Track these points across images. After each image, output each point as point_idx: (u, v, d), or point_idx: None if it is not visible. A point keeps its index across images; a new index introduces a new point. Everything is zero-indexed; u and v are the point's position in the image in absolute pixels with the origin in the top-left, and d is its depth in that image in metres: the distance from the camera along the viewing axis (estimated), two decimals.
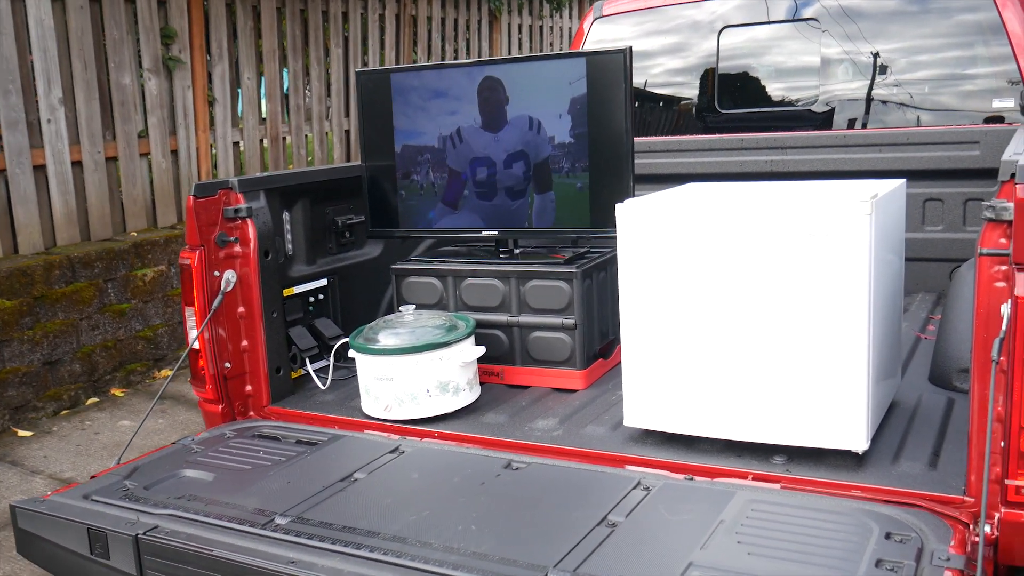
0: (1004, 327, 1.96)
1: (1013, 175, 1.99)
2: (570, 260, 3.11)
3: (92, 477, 2.62)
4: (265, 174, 3.26)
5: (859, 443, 2.32)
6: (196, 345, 3.01)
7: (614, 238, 3.10)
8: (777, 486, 2.27)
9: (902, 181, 2.68)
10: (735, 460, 2.42)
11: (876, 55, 4.16)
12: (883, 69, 4.15)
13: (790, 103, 4.35)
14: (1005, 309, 1.98)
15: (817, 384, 2.33)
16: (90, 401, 5.53)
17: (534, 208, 3.17)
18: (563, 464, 2.46)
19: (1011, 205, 1.98)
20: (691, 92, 4.61)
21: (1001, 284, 2.02)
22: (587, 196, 3.07)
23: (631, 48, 2.97)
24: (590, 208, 3.07)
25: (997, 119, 3.93)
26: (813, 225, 2.28)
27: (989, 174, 3.92)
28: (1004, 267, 2.02)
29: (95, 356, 5.59)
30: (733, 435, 2.46)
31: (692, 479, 2.32)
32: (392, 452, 2.61)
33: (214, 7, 6.88)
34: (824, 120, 4.26)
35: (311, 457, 2.62)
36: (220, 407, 3.05)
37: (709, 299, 2.43)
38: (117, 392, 5.68)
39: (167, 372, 6.23)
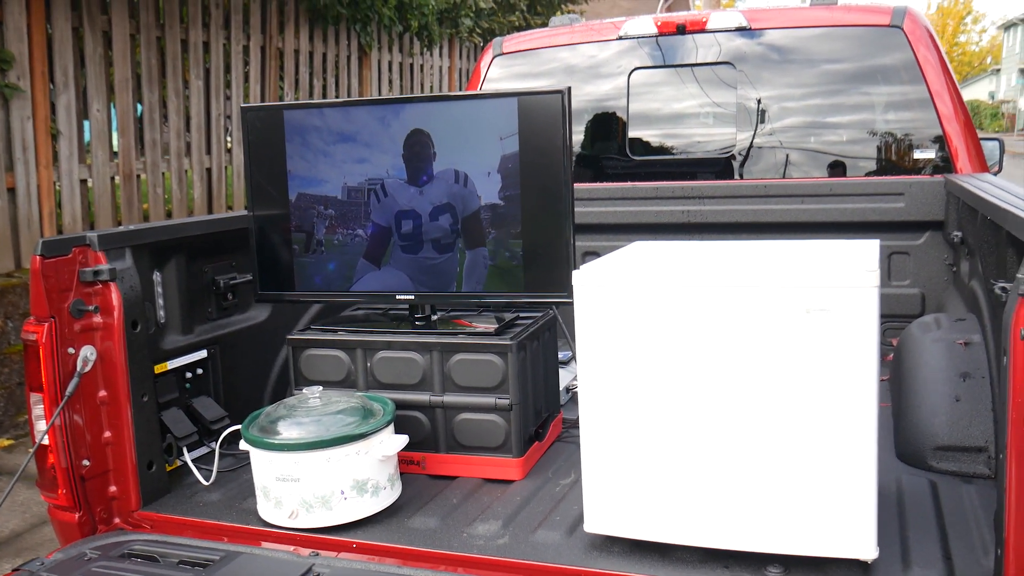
0: None
1: None
2: (501, 329, 2.70)
3: None
4: (131, 227, 2.71)
5: (868, 551, 1.99)
6: (46, 440, 2.42)
7: (551, 304, 2.73)
8: None
9: (876, 242, 2.41)
10: (722, 573, 2.05)
11: (792, 101, 3.97)
12: (800, 115, 3.97)
13: (705, 150, 4.10)
14: None
15: (818, 482, 2.00)
16: None
17: (462, 271, 2.75)
18: None
19: None
20: (599, 136, 4.31)
21: None
22: (521, 258, 2.67)
23: (569, 89, 2.61)
24: (524, 271, 2.67)
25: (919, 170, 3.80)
26: (812, 299, 1.95)
27: (914, 227, 3.78)
28: None
29: None
30: (716, 543, 2.10)
31: None
32: (305, 575, 2.12)
33: (58, 31, 6.17)
34: (742, 167, 4.04)
35: None
36: (77, 516, 2.46)
37: (685, 382, 2.07)
38: None
39: (3, 442, 5.44)
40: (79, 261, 2.48)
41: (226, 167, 8.06)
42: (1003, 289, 2.02)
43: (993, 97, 51.84)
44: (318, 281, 2.87)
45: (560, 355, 3.17)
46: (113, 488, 2.55)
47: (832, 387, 1.96)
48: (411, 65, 11.24)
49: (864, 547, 1.99)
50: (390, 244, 2.79)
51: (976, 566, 2.02)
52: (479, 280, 2.72)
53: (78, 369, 2.45)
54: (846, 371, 1.95)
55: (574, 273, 2.15)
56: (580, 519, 2.27)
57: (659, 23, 4.11)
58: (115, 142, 6.91)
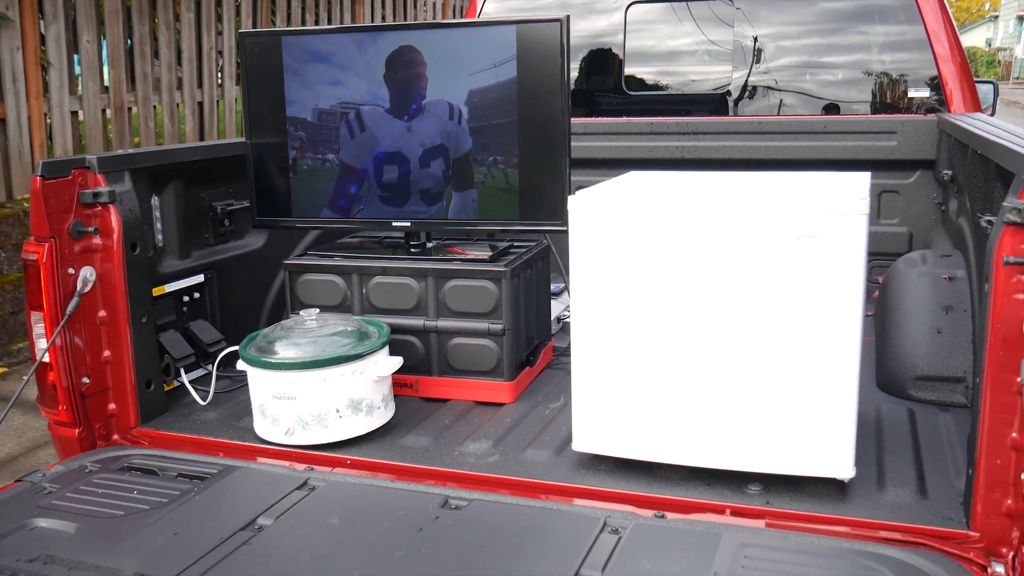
0: None
1: None
2: (495, 257, 2.74)
3: None
4: (131, 151, 2.73)
5: (845, 470, 2.06)
6: (46, 358, 2.47)
7: (546, 232, 2.77)
8: (762, 523, 1.99)
9: (867, 174, 2.45)
10: (705, 491, 2.12)
11: (789, 39, 3.97)
12: (796, 53, 3.97)
13: (701, 88, 4.11)
14: None
15: (799, 404, 2.06)
16: None
17: (453, 198, 2.78)
18: (510, 500, 2.10)
19: None
20: (595, 72, 4.31)
21: (1022, 296, 1.80)
22: (516, 186, 2.70)
23: (568, 18, 2.62)
24: (519, 199, 2.71)
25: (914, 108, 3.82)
26: (802, 225, 2.00)
27: (906, 165, 3.81)
28: None
29: None
30: (699, 461, 2.17)
31: (664, 516, 2.00)
32: (300, 488, 2.18)
33: None
34: (736, 105, 4.05)
35: (200, 497, 2.16)
36: (77, 431, 2.52)
37: (673, 306, 2.12)
38: None
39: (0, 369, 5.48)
40: (79, 183, 2.50)
41: (218, 101, 8.01)
42: (988, 223, 2.06)
43: (990, 44, 51.43)
44: (316, 208, 2.90)
45: (552, 286, 3.22)
46: (112, 406, 2.60)
47: (818, 312, 2.01)
48: (404, 1, 11.10)
49: (841, 467, 2.06)
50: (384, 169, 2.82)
51: (948, 487, 2.09)
52: (471, 208, 2.75)
53: (78, 289, 2.48)
54: (832, 296, 2.00)
55: (569, 199, 2.18)
56: (568, 440, 2.34)
57: None
58: (106, 75, 6.85)
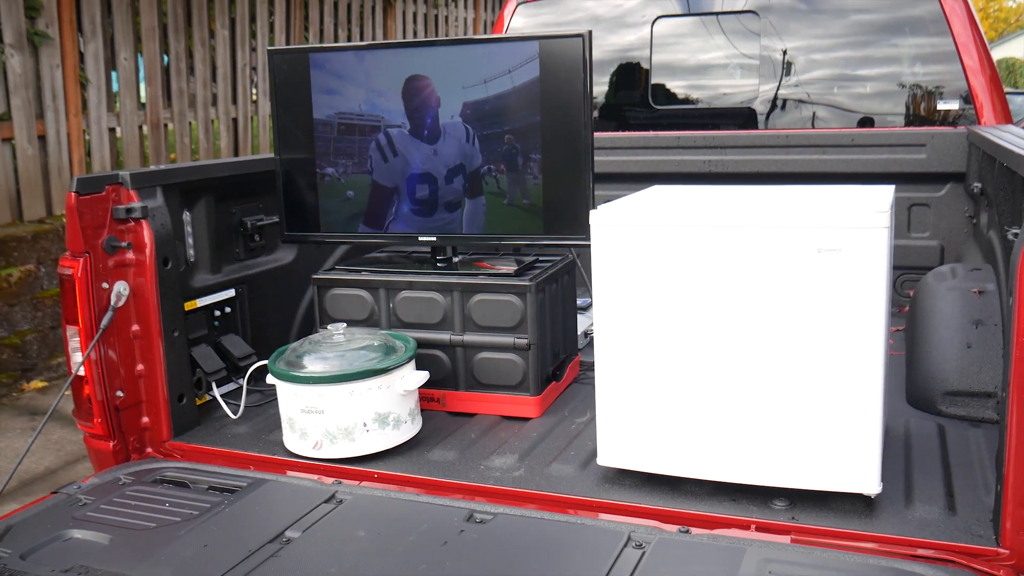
0: None
1: None
2: (521, 271, 2.76)
3: None
4: (163, 167, 2.78)
5: (871, 486, 2.05)
6: (81, 371, 2.52)
7: (570, 246, 2.78)
8: (787, 539, 1.98)
9: (892, 187, 2.44)
10: (730, 506, 2.12)
11: (817, 53, 3.96)
12: (825, 67, 3.96)
13: (728, 101, 4.11)
14: None
15: (824, 419, 2.06)
16: None
17: (472, 212, 2.80)
18: (535, 515, 2.11)
19: None
20: (622, 86, 4.33)
21: None
22: (540, 200, 2.72)
23: (591, 32, 2.64)
24: (544, 214, 2.72)
25: (943, 121, 3.79)
26: (824, 239, 1.99)
27: (936, 178, 3.79)
28: None
29: None
30: (724, 476, 2.17)
31: (688, 532, 2.01)
32: (328, 501, 2.21)
33: None
34: (764, 119, 4.05)
35: (230, 509, 2.19)
36: (112, 444, 2.57)
37: (698, 320, 2.13)
38: None
39: (37, 384, 5.58)
40: (112, 199, 2.55)
41: (252, 117, 8.12)
42: (1015, 235, 2.05)
43: None
44: (344, 224, 2.94)
45: (580, 301, 3.23)
46: (145, 419, 2.65)
47: (841, 326, 2.01)
48: (435, 16, 11.20)
49: (868, 482, 2.05)
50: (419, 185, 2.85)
51: (978, 503, 2.07)
52: (496, 223, 2.77)
53: (112, 303, 2.53)
54: (855, 310, 2.00)
55: (592, 213, 2.20)
56: (594, 454, 2.35)
57: None
58: (143, 91, 6.98)
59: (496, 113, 2.72)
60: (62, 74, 6.05)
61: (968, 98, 3.75)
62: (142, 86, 6.97)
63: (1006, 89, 3.98)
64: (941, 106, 3.82)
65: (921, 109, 3.85)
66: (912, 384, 2.73)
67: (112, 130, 6.60)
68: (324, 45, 2.99)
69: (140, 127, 6.86)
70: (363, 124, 2.86)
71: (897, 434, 2.48)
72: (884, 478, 2.11)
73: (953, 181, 3.75)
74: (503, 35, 2.92)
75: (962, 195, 3.74)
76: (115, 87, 6.70)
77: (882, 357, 2.01)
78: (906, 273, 3.81)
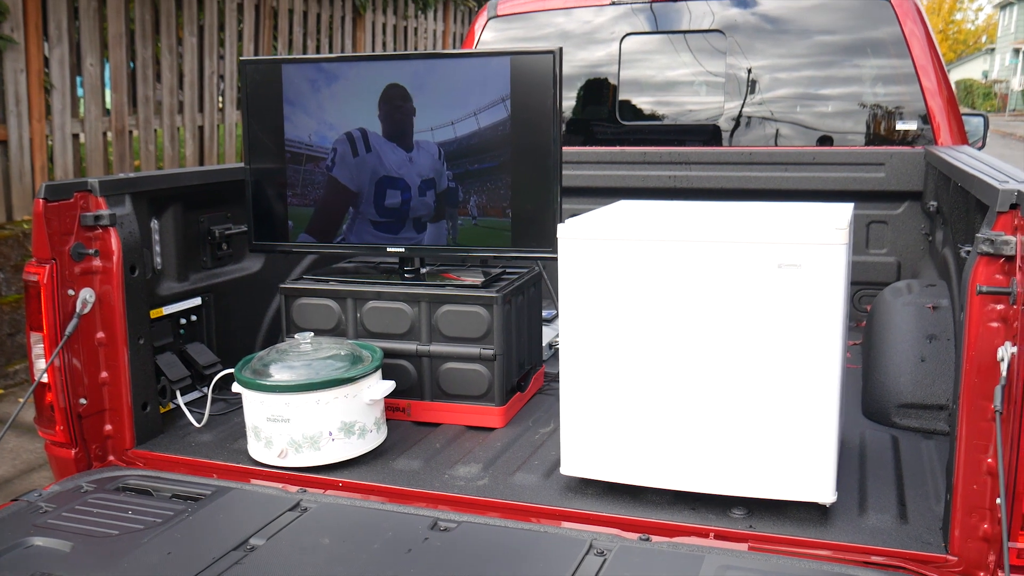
0: (1005, 373, 1.79)
1: (1014, 205, 1.82)
2: (488, 283, 2.79)
3: None
4: (131, 175, 2.78)
5: (826, 495, 2.11)
6: (44, 378, 2.51)
7: (536, 259, 2.82)
8: (745, 546, 2.03)
9: (851, 205, 2.50)
10: (690, 514, 2.16)
11: (781, 72, 4.05)
12: (788, 86, 4.05)
13: (694, 118, 4.18)
14: (1003, 352, 1.81)
15: (781, 430, 2.11)
16: None
17: (440, 224, 2.83)
18: (499, 523, 2.13)
19: (1013, 239, 1.81)
20: (590, 101, 4.38)
21: (996, 324, 1.85)
22: (508, 213, 2.75)
23: (561, 49, 2.69)
24: (512, 227, 2.76)
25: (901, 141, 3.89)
26: (784, 255, 2.05)
27: (893, 197, 3.88)
28: (1000, 306, 1.84)
29: None
30: (684, 486, 2.21)
31: (649, 539, 2.04)
32: (293, 509, 2.22)
33: None
34: (728, 136, 4.12)
35: (193, 517, 2.19)
36: (74, 452, 2.56)
37: (660, 332, 2.17)
38: None
39: None
40: (80, 206, 2.55)
41: (218, 125, 8.09)
42: (967, 252, 2.12)
43: (987, 76, 51.79)
44: (310, 233, 2.95)
45: (544, 313, 3.27)
46: (108, 427, 2.64)
47: (800, 339, 2.06)
48: (405, 28, 11.23)
49: (823, 491, 2.10)
50: (386, 195, 2.87)
51: (928, 512, 2.13)
52: (464, 236, 2.81)
53: (77, 310, 2.53)
54: (813, 324, 2.05)
55: (559, 226, 2.24)
56: (557, 464, 2.38)
57: None
58: (108, 98, 6.93)
59: (466, 126, 2.75)
60: (26, 79, 6.00)
61: (926, 119, 3.85)
62: (107, 92, 6.92)
63: (963, 110, 4.08)
64: (900, 126, 3.92)
65: (881, 129, 3.94)
66: (868, 396, 2.80)
67: (76, 136, 6.55)
68: (296, 56, 3.01)
69: (104, 133, 6.80)
70: (333, 134, 2.88)
71: (852, 445, 2.54)
72: (839, 488, 2.17)
73: (910, 199, 3.84)
74: (475, 50, 2.96)
75: (919, 213, 3.83)
76: (80, 93, 6.65)
77: (839, 370, 2.06)
78: (864, 288, 3.89)
